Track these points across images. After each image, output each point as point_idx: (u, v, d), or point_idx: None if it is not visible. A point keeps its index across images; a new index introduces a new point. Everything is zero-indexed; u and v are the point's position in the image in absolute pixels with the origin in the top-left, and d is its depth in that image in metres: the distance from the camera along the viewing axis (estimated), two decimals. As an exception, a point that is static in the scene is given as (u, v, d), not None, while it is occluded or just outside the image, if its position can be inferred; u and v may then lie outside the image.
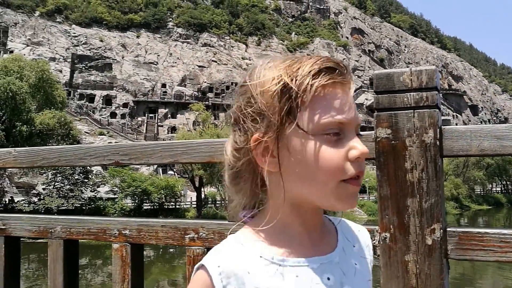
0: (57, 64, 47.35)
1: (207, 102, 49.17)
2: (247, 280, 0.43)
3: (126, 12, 57.81)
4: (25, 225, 1.05)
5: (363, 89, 67.44)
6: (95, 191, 24.87)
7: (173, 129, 46.82)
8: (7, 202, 24.40)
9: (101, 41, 52.48)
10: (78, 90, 48.14)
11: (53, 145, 26.32)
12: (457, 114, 76.09)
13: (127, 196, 25.50)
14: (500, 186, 52.07)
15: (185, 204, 29.43)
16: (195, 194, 29.24)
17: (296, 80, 0.43)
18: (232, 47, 62.99)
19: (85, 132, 39.28)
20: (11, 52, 43.73)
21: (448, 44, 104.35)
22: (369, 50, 76.47)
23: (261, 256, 0.45)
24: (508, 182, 51.61)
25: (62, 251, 0.99)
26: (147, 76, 51.90)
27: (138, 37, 56.20)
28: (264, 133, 0.44)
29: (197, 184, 28.51)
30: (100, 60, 51.12)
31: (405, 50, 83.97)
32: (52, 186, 23.86)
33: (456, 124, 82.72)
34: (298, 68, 0.44)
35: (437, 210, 0.71)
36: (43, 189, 24.30)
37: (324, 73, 0.43)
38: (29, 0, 51.45)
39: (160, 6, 61.12)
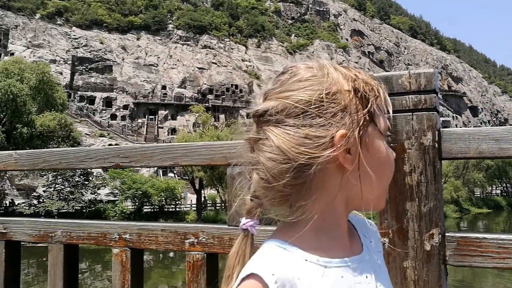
0: (58, 66, 47.44)
1: (207, 104, 49.20)
2: (300, 285, 0.43)
3: (126, 14, 57.98)
4: (25, 229, 1.04)
5: (363, 90, 67.34)
6: (96, 194, 24.83)
7: (173, 130, 46.83)
8: (7, 205, 24.37)
9: (102, 43, 52.61)
10: (79, 92, 48.21)
11: (53, 147, 26.38)
12: (457, 115, 76.08)
13: (127, 198, 25.45)
14: (500, 188, 51.92)
15: (185, 207, 29.35)
16: (195, 196, 29.17)
17: (372, 84, 0.48)
18: (232, 49, 63.12)
19: (85, 134, 39.28)
20: (12, 54, 43.84)
21: (448, 46, 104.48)
22: (368, 52, 76.61)
23: (306, 260, 0.45)
24: (508, 185, 51.45)
25: (62, 256, 0.98)
26: (147, 78, 51.98)
27: (138, 39, 56.34)
28: (348, 130, 0.45)
29: (197, 186, 28.46)
30: (100, 62, 51.23)
31: (404, 51, 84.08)
32: (52, 189, 23.83)
33: (456, 125, 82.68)
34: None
35: (436, 215, 0.70)
36: (44, 191, 24.27)
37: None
38: (30, 2, 51.63)
39: (160, 8, 61.31)
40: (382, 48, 79.55)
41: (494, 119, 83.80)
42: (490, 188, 49.73)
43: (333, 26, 77.59)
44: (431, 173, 0.76)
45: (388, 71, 77.56)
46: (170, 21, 60.80)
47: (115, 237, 0.95)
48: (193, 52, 57.94)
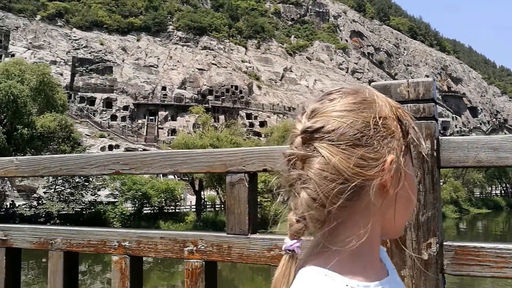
0: (58, 67, 47.50)
1: (207, 105, 49.22)
2: None
3: (127, 15, 58.08)
4: (26, 237, 1.05)
5: (362, 91, 67.43)
6: (96, 195, 24.79)
7: (173, 131, 46.83)
8: (8, 207, 24.35)
9: (102, 44, 52.68)
10: (79, 93, 48.25)
11: (54, 148, 26.35)
12: (457, 116, 76.09)
13: (127, 200, 25.40)
14: (499, 188, 51.88)
15: (185, 208, 29.30)
16: (195, 197, 29.14)
17: (409, 115, 0.50)
18: (232, 50, 63.19)
19: (85, 134, 39.27)
20: (13, 55, 43.90)
21: (447, 47, 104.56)
22: (368, 53, 76.67)
23: (347, 285, 0.45)
24: (507, 185, 51.43)
25: (62, 263, 0.99)
26: (147, 79, 52.03)
27: (138, 40, 56.42)
28: (396, 155, 0.46)
29: (197, 187, 28.42)
30: (100, 63, 51.29)
31: (404, 52, 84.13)
32: (53, 190, 23.81)
33: (456, 126, 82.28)
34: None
35: (433, 224, 0.70)
36: (44, 192, 24.24)
37: None
38: (30, 4, 51.74)
39: (160, 9, 61.41)
40: (381, 49, 79.60)
41: (494, 119, 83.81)
42: (490, 189, 49.68)
43: (332, 27, 77.69)
44: (430, 182, 0.76)
45: (387, 72, 77.65)
46: (170, 23, 60.90)
47: (115, 245, 0.95)
48: (193, 53, 58.01)
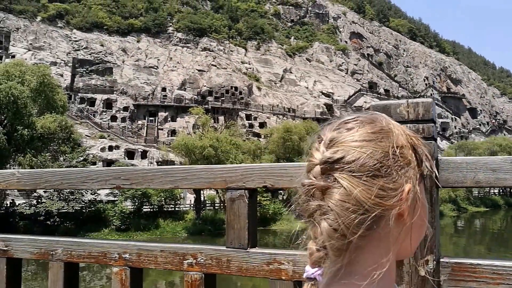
0: (58, 68, 47.54)
1: (206, 106, 49.25)
2: None
3: (127, 17, 58.16)
4: (26, 247, 1.05)
5: (361, 92, 67.69)
6: (95, 194, 24.76)
7: (173, 132, 46.85)
8: (8, 205, 24.32)
9: (102, 45, 52.73)
10: (79, 94, 48.27)
11: (54, 148, 26.33)
12: (456, 117, 76.15)
13: (127, 198, 25.39)
14: (498, 187, 51.84)
15: (184, 207, 29.29)
16: (194, 196, 29.14)
17: (423, 144, 0.50)
18: (232, 51, 63.26)
19: (85, 135, 39.25)
20: (13, 57, 43.93)
21: (447, 48, 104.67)
22: (368, 54, 76.76)
23: None
24: (507, 185, 51.19)
25: (63, 274, 0.99)
26: (147, 80, 52.07)
27: (138, 41, 56.49)
28: (413, 184, 0.47)
29: (197, 188, 28.35)
30: (100, 65, 51.34)
31: (403, 54, 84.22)
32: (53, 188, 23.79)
33: (455, 127, 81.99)
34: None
35: (431, 242, 0.71)
36: (44, 191, 24.23)
37: None
38: (31, 5, 51.81)
39: (160, 11, 61.51)
40: (381, 51, 79.72)
41: (493, 120, 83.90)
42: (488, 188, 49.64)
43: (332, 29, 77.82)
44: (428, 201, 0.77)
45: (387, 73, 77.73)
46: (170, 24, 60.99)
47: (115, 256, 0.96)
48: (193, 54, 58.08)
